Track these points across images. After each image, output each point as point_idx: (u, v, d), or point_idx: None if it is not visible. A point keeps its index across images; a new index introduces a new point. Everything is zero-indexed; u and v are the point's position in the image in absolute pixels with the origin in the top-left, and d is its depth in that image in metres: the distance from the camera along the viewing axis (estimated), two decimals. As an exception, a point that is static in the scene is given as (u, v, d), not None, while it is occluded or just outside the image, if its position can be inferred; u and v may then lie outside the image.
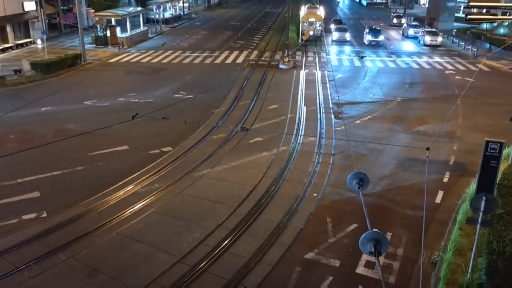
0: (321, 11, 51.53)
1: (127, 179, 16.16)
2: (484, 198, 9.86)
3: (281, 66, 35.60)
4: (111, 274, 11.19)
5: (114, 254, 12.00)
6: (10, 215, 13.81)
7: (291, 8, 40.45)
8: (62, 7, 49.42)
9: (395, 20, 62.77)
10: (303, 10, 51.41)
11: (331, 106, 25.44)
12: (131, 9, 50.98)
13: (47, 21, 45.01)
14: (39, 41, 41.78)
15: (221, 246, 12.28)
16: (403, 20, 60.90)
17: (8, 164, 16.84)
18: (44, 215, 13.90)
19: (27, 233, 12.73)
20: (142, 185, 15.78)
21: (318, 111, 24.46)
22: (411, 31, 52.11)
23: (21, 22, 41.61)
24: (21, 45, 41.03)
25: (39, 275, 11.06)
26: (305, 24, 46.17)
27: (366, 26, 52.12)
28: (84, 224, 13.31)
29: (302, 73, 33.39)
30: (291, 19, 41.07)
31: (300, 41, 45.19)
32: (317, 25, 45.97)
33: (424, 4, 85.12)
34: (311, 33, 45.47)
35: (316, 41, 45.57)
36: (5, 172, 16.56)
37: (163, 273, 11.22)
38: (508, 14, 47.92)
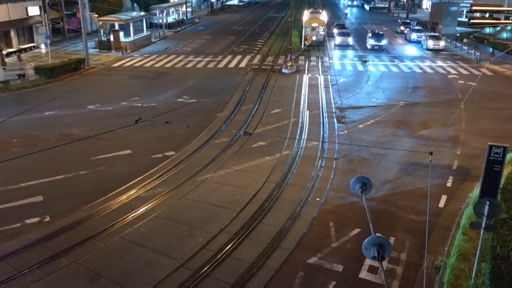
0: (324, 16, 51.19)
1: (130, 183, 16.19)
2: (487, 202, 9.83)
3: (284, 70, 35.64)
4: (114, 279, 11.19)
5: (117, 258, 12.00)
6: (13, 219, 13.83)
7: (294, 13, 40.54)
8: (66, 12, 49.70)
9: (402, 27, 58.95)
10: (306, 15, 51.13)
11: (334, 111, 25.43)
12: (134, 13, 51.24)
13: (51, 26, 45.26)
14: (43, 46, 41.96)
15: (224, 251, 12.27)
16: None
17: (12, 168, 16.89)
18: (47, 219, 13.92)
19: (30, 238, 12.76)
20: (145, 190, 15.80)
21: (321, 115, 24.45)
22: (414, 36, 52.05)
23: (25, 27, 41.85)
24: (25, 49, 41.25)
25: (42, 280, 11.07)
26: (308, 29, 45.80)
27: (369, 31, 52.13)
28: (87, 228, 13.33)
29: (305, 78, 33.41)
30: (293, 23, 41.12)
31: (303, 46, 45.08)
32: (320, 30, 45.60)
33: (427, 8, 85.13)
34: (314, 38, 45.17)
35: (319, 46, 45.36)
36: (9, 176, 16.60)
37: (166, 277, 11.22)
38: (510, 18, 47.97)
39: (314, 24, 45.58)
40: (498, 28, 49.29)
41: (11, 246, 12.32)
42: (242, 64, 38.59)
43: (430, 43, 46.75)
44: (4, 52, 36.19)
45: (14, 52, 37.64)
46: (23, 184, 16.17)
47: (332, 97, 28.14)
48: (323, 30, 45.84)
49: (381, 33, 49.09)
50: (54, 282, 11.03)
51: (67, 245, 12.41)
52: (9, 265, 11.55)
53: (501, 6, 46.91)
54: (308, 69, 36.40)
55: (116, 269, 11.55)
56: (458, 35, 53.21)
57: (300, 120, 23.65)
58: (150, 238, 12.91)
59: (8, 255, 11.93)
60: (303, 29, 46.90)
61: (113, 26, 43.13)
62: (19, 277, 11.13)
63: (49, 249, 12.23)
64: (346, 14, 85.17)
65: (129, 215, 14.05)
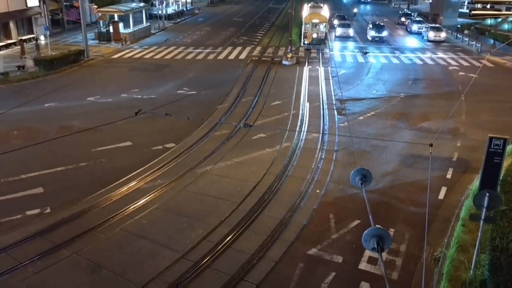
0: (325, 11, 47.56)
1: (130, 175, 16.19)
2: (487, 194, 9.84)
3: (284, 62, 35.52)
4: (114, 270, 11.24)
5: (117, 250, 12.05)
6: (14, 211, 13.86)
7: (294, 5, 40.20)
8: (65, 3, 49.43)
9: (403, 19, 59.19)
10: (306, 10, 47.90)
11: (334, 103, 25.40)
12: (134, 5, 50.93)
13: (50, 17, 45.04)
14: (42, 37, 41.81)
15: (224, 242, 12.32)
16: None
17: (12, 160, 16.88)
18: (48, 211, 13.95)
19: (30, 229, 12.79)
20: (145, 181, 15.81)
21: (321, 107, 24.41)
22: (414, 27, 51.88)
23: (24, 18, 41.64)
24: (24, 41, 41.07)
25: (42, 271, 11.12)
26: (307, 25, 41.92)
27: (370, 22, 51.88)
28: (87, 220, 13.37)
29: (305, 69, 33.32)
30: (293, 17, 40.60)
31: (302, 45, 42.57)
32: (321, 27, 41.74)
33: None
34: (314, 35, 41.92)
35: (319, 45, 41.66)
36: (9, 168, 16.60)
37: (167, 268, 11.26)
38: (512, 9, 47.75)
39: (315, 20, 42.07)
40: (499, 20, 49.06)
41: (12, 238, 12.36)
42: (242, 56, 38.47)
43: (431, 35, 46.61)
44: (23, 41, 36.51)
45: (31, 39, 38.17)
46: (24, 176, 16.19)
47: (332, 89, 28.08)
48: (325, 27, 42.05)
49: (381, 24, 48.90)
50: (55, 273, 11.08)
51: (67, 236, 12.45)
52: (10, 257, 11.59)
53: (503, -3, 46.71)
54: (308, 61, 36.29)
55: (116, 261, 11.60)
56: (459, 26, 53.05)
57: (300, 112, 23.62)
58: (150, 230, 12.95)
59: (9, 246, 11.97)
60: (303, 26, 43.35)
61: (112, 17, 42.92)
62: (20, 268, 11.17)
63: (49, 241, 12.27)
64: (355, 13, 72.95)
65: (130, 207, 14.07)
